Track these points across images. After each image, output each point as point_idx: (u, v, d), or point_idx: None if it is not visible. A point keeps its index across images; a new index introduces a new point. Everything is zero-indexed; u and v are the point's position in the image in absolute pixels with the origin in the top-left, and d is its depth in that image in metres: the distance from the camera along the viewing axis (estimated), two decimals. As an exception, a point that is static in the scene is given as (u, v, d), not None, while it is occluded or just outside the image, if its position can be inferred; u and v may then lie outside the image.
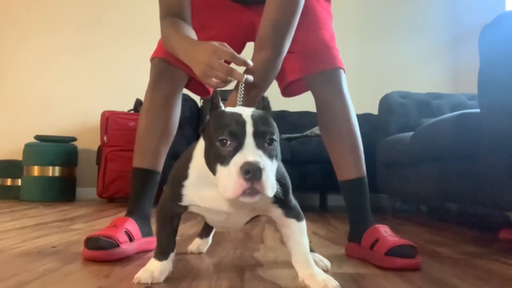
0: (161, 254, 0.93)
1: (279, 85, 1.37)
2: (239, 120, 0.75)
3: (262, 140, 0.75)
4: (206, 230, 1.30)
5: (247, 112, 0.78)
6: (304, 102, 2.54)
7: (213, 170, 0.76)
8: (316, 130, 3.30)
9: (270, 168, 0.74)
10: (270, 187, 0.72)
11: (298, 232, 0.90)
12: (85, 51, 4.06)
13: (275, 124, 0.80)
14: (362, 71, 3.90)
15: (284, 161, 0.93)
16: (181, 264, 1.11)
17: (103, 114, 3.50)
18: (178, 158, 0.93)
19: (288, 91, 1.37)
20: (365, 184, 1.28)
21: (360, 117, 1.35)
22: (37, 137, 3.52)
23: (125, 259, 1.12)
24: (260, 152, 0.73)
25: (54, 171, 3.40)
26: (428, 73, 4.08)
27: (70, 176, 3.53)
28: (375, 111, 3.33)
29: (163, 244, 0.94)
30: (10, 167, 3.58)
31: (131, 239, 1.18)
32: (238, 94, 0.98)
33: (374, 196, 2.19)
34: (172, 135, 1.33)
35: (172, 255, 0.94)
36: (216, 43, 1.03)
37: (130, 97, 3.66)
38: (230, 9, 1.32)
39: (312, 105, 1.32)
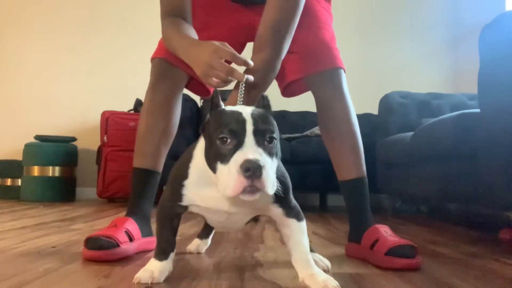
0: (161, 254, 0.93)
1: (279, 85, 1.37)
2: (239, 119, 0.76)
3: (262, 138, 0.75)
4: (205, 231, 1.30)
5: (247, 111, 0.78)
6: (304, 102, 2.55)
7: (213, 169, 0.76)
8: (316, 130, 3.30)
9: (270, 166, 0.74)
10: (271, 184, 0.72)
11: (298, 232, 0.90)
12: (85, 51, 4.06)
13: (275, 123, 0.80)
14: (362, 71, 3.90)
15: (284, 161, 0.93)
16: (181, 264, 1.11)
17: (103, 114, 3.50)
18: (178, 158, 0.93)
19: (288, 91, 1.37)
20: (365, 184, 1.28)
21: (360, 117, 1.35)
22: (37, 137, 3.52)
23: (125, 259, 1.12)
24: (260, 150, 0.73)
25: (54, 171, 3.40)
26: (428, 73, 4.08)
27: (70, 176, 3.53)
28: (375, 111, 3.33)
29: (163, 244, 0.93)
30: (10, 167, 3.59)
31: (131, 239, 1.18)
32: (239, 94, 0.98)
33: (374, 196, 2.19)
34: (173, 135, 1.33)
35: (172, 255, 0.94)
36: (217, 43, 1.03)
37: (130, 97, 3.66)
38: (230, 10, 1.32)
39: (312, 105, 1.32)
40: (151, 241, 1.24)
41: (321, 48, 1.28)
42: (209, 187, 0.84)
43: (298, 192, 0.94)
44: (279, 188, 0.76)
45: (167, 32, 1.20)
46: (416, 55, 4.11)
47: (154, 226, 1.04)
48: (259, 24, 1.14)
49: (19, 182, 3.50)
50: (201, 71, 1.04)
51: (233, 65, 1.06)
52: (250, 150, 0.72)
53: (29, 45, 4.09)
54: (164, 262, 0.92)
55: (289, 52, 1.18)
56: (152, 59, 1.33)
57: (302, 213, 0.92)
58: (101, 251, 1.09)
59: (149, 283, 0.88)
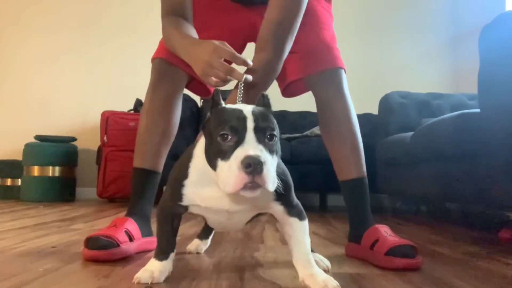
0: (161, 254, 0.92)
1: (280, 85, 1.37)
2: (240, 116, 0.76)
3: (263, 135, 0.75)
4: (205, 231, 1.30)
5: (248, 109, 0.78)
6: (304, 102, 2.55)
7: (214, 166, 0.76)
8: (316, 130, 3.30)
9: (271, 163, 0.74)
10: (271, 181, 0.72)
11: (300, 231, 0.90)
12: (85, 50, 4.06)
13: (275, 121, 0.80)
14: (362, 71, 3.90)
15: (284, 161, 0.93)
16: (181, 264, 1.11)
17: (103, 114, 3.50)
18: (178, 158, 0.93)
19: (288, 91, 1.37)
20: (365, 184, 1.28)
21: (360, 117, 1.35)
22: (37, 137, 3.52)
23: (125, 259, 1.12)
24: (261, 147, 0.74)
25: (54, 171, 3.40)
26: (428, 73, 4.08)
27: (70, 176, 3.53)
28: (375, 111, 3.33)
29: (163, 244, 0.93)
30: (10, 167, 3.59)
31: (131, 239, 1.18)
32: (238, 94, 0.98)
33: (374, 196, 2.19)
34: (173, 135, 1.33)
35: (172, 255, 0.94)
36: (216, 42, 1.03)
37: (130, 97, 3.66)
38: (231, 10, 1.32)
39: (312, 105, 1.32)
40: (151, 241, 1.24)
41: (321, 48, 1.28)
42: (209, 186, 0.83)
43: (298, 192, 0.94)
44: (279, 185, 0.76)
45: (167, 31, 1.20)
46: (416, 55, 4.11)
47: (154, 226, 1.04)
48: (259, 24, 1.14)
49: (19, 182, 3.50)
50: (200, 70, 1.04)
51: (233, 65, 1.06)
52: (251, 147, 0.73)
53: (29, 45, 4.09)
54: (164, 262, 0.92)
55: (289, 52, 1.17)
56: (153, 59, 1.33)
57: (304, 212, 0.92)
58: (101, 251, 1.09)
59: (149, 283, 0.88)
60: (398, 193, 2.95)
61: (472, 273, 1.06)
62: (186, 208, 0.91)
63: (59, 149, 3.46)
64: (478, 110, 1.62)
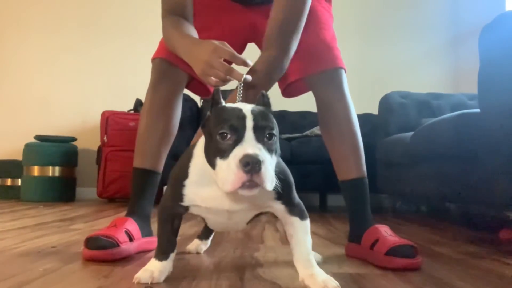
0: (161, 254, 0.92)
1: (280, 85, 1.37)
2: (239, 115, 0.76)
3: (262, 134, 0.75)
4: (206, 232, 1.30)
5: (247, 108, 0.78)
6: (304, 102, 2.54)
7: (213, 164, 0.77)
8: (316, 130, 3.30)
9: (270, 162, 0.74)
10: (270, 180, 0.72)
11: (301, 231, 0.90)
12: (85, 50, 4.06)
13: (275, 120, 0.81)
14: (362, 71, 3.90)
15: (284, 161, 0.93)
16: (181, 264, 1.11)
17: (103, 114, 3.50)
18: (179, 158, 0.93)
19: (288, 91, 1.37)
20: (365, 184, 1.28)
21: (360, 117, 1.35)
22: (37, 137, 3.52)
23: (125, 259, 1.12)
24: (259, 146, 0.74)
25: (54, 171, 3.40)
26: (428, 73, 4.08)
27: (70, 176, 3.53)
28: (375, 111, 3.33)
29: (163, 244, 0.93)
30: (10, 167, 3.59)
31: (131, 239, 1.18)
32: (237, 94, 0.99)
33: (374, 196, 2.19)
34: (173, 135, 1.33)
35: (172, 256, 0.94)
36: (216, 42, 1.03)
37: (130, 97, 3.66)
38: (231, 10, 1.32)
39: (312, 105, 1.32)
40: (151, 241, 1.24)
41: (322, 48, 1.28)
42: (210, 186, 0.83)
43: (298, 192, 0.94)
44: (277, 184, 0.76)
45: (167, 31, 1.20)
46: (416, 55, 4.11)
47: (154, 226, 1.04)
48: (259, 24, 1.15)
49: (19, 182, 3.50)
50: (200, 70, 1.04)
51: (233, 65, 1.06)
52: (250, 145, 0.73)
53: (29, 45, 4.09)
54: (164, 262, 0.92)
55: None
56: (153, 59, 1.33)
57: (306, 212, 0.92)
58: (101, 251, 1.09)
59: (149, 283, 0.88)
60: (398, 193, 2.95)
61: (472, 273, 1.06)
62: (186, 208, 0.91)
63: (59, 149, 3.46)
64: (478, 110, 1.62)
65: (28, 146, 3.45)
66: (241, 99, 0.98)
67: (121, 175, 3.32)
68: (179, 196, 0.88)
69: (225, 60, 1.02)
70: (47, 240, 1.42)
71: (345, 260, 1.21)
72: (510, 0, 3.58)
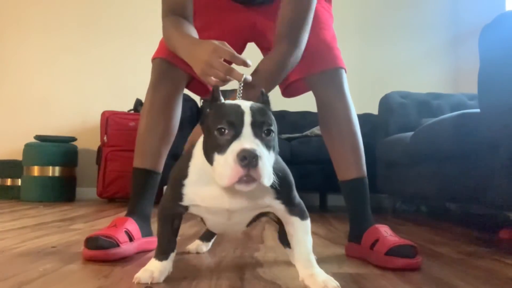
0: (161, 254, 0.92)
1: (280, 85, 1.37)
2: (238, 111, 0.76)
3: (260, 130, 0.75)
4: (207, 234, 1.30)
5: (246, 104, 0.79)
6: (304, 102, 2.54)
7: (211, 160, 0.77)
8: (316, 130, 3.30)
9: (267, 157, 0.74)
10: (267, 175, 0.72)
11: (301, 231, 0.90)
12: (85, 50, 4.06)
13: (273, 117, 0.81)
14: (362, 71, 3.90)
15: (284, 161, 0.93)
16: (181, 264, 1.11)
17: (103, 114, 3.50)
18: (178, 158, 0.93)
19: (289, 91, 1.37)
20: (365, 184, 1.28)
21: (360, 117, 1.35)
22: (37, 137, 3.52)
23: (125, 259, 1.12)
24: (257, 141, 0.74)
25: (54, 171, 3.40)
26: (428, 73, 4.08)
27: (70, 176, 3.53)
28: (375, 111, 3.33)
29: (163, 244, 0.93)
30: (10, 167, 3.59)
31: (131, 239, 1.18)
32: (237, 94, 0.99)
33: (374, 196, 2.19)
34: (173, 135, 1.33)
35: (172, 256, 0.94)
36: (216, 42, 1.03)
37: (130, 97, 3.66)
38: (231, 10, 1.32)
39: (312, 105, 1.32)
40: (151, 241, 1.24)
41: (322, 48, 1.28)
42: (209, 186, 0.83)
43: (298, 192, 0.94)
44: (275, 181, 0.76)
45: (168, 30, 1.20)
46: (416, 55, 4.11)
47: (154, 226, 1.04)
48: (260, 24, 1.15)
49: (19, 182, 3.50)
50: (200, 70, 1.04)
51: (233, 65, 1.06)
52: (247, 141, 0.73)
53: (29, 45, 4.09)
54: (164, 262, 0.92)
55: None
56: (153, 59, 1.33)
57: (306, 212, 0.92)
58: (101, 251, 1.09)
59: (149, 283, 0.88)
60: (398, 193, 2.95)
61: (472, 273, 1.06)
62: (186, 208, 0.91)
63: (59, 149, 3.46)
64: (478, 110, 1.62)
65: (28, 146, 3.45)
66: (240, 99, 0.98)
67: (121, 175, 3.32)
68: (179, 196, 0.88)
69: (225, 60, 1.02)
70: (47, 240, 1.42)
71: (345, 260, 1.21)
72: (510, 0, 3.58)
